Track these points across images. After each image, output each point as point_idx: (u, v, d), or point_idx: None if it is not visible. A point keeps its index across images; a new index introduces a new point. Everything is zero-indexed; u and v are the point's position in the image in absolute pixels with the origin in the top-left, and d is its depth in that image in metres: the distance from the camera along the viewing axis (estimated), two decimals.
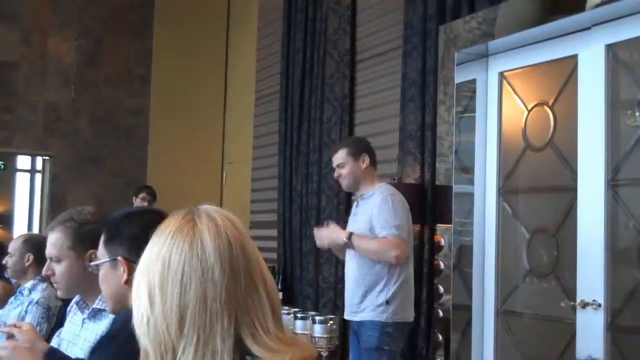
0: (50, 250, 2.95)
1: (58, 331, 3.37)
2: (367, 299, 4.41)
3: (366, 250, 4.39)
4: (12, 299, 4.46)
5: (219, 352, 1.42)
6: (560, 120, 4.30)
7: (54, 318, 4.12)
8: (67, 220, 2.96)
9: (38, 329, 3.88)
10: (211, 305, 1.44)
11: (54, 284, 3.02)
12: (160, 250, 1.47)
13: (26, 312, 4.14)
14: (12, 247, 4.44)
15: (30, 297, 4.23)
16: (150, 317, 1.43)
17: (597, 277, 3.91)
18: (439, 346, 5.01)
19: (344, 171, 4.57)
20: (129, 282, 2.24)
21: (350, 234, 4.42)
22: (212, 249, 1.46)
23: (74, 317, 3.11)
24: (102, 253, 2.35)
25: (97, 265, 2.37)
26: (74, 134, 8.99)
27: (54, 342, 3.35)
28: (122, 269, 2.27)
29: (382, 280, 4.39)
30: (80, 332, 2.96)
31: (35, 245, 4.46)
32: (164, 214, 2.22)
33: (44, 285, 4.30)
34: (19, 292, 4.39)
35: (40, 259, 4.34)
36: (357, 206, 4.65)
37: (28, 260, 4.37)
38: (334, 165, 4.65)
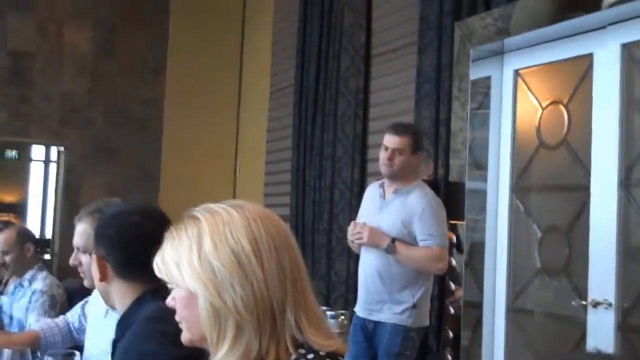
0: (77, 240, 2.98)
1: (82, 302, 3.41)
2: (391, 299, 4.33)
3: (409, 259, 4.28)
4: (10, 289, 4.47)
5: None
6: (575, 119, 4.30)
7: (58, 305, 4.15)
8: (95, 211, 2.98)
9: (46, 317, 3.92)
10: (302, 269, 1.63)
11: (80, 274, 3.05)
12: (230, 236, 1.56)
13: (30, 302, 4.16)
14: (7, 244, 4.41)
15: (32, 287, 4.23)
16: (248, 288, 1.52)
17: (608, 276, 3.91)
18: (449, 343, 5.01)
19: (398, 159, 4.36)
20: (104, 279, 2.34)
21: (393, 240, 4.28)
22: (271, 226, 1.61)
23: (95, 305, 3.16)
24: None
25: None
26: (88, 124, 9.02)
27: (74, 315, 3.40)
28: (96, 266, 2.34)
29: (410, 282, 4.32)
30: (104, 321, 3.00)
31: (30, 235, 4.49)
32: (150, 214, 2.28)
33: (44, 273, 4.32)
34: (19, 284, 4.39)
35: (35, 249, 4.38)
36: (383, 197, 4.47)
37: (29, 251, 4.38)
38: (391, 145, 4.38)
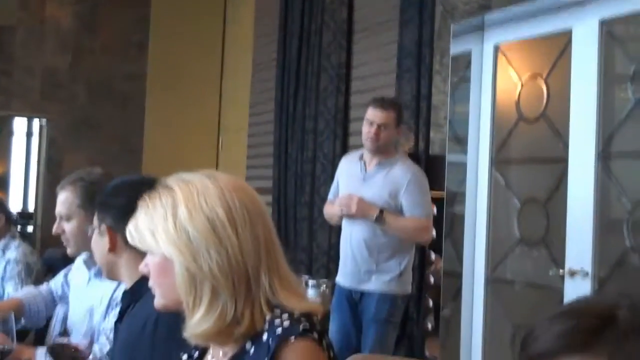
0: (60, 208, 3.04)
1: (65, 271, 3.45)
2: (379, 269, 4.39)
3: (397, 229, 4.35)
4: None
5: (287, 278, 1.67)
6: (554, 93, 4.37)
7: (34, 273, 4.17)
8: (77, 179, 3.04)
9: (23, 285, 3.94)
10: (274, 236, 1.68)
11: (64, 242, 3.09)
12: (205, 203, 1.61)
13: (5, 271, 4.16)
14: None
15: (5, 257, 4.23)
16: (223, 253, 1.58)
17: (585, 246, 4.00)
18: (430, 312, 5.11)
19: (384, 134, 4.41)
20: (113, 250, 2.34)
21: (381, 211, 4.34)
22: (244, 196, 1.66)
23: (78, 273, 3.20)
24: (94, 218, 2.42)
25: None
26: (71, 99, 9.00)
27: (57, 283, 3.44)
28: (106, 238, 2.35)
29: (396, 251, 4.40)
30: (86, 289, 3.05)
31: (1, 205, 4.49)
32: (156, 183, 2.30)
33: (16, 242, 4.31)
34: None
35: (7, 218, 4.38)
36: (364, 170, 4.51)
37: (0, 221, 4.38)
38: (377, 120, 4.41)
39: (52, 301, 3.45)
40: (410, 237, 4.38)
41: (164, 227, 1.61)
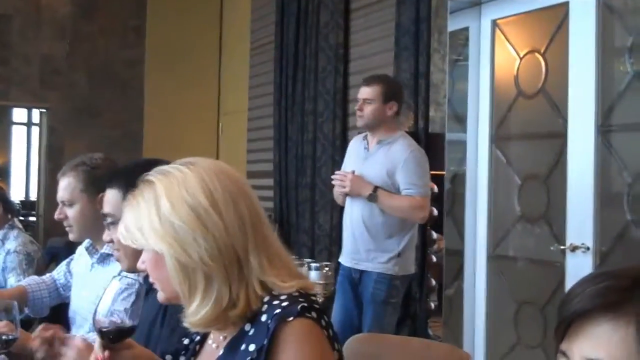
0: (62, 194, 3.02)
1: (68, 260, 3.43)
2: (377, 248, 4.35)
3: (391, 207, 4.30)
4: None
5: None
6: (552, 68, 4.34)
7: (35, 262, 4.15)
8: (78, 164, 3.03)
9: (25, 275, 3.92)
10: (260, 214, 1.68)
11: (66, 228, 3.08)
12: (186, 192, 1.61)
13: (5, 262, 4.14)
14: None
15: (5, 247, 4.20)
16: (210, 239, 1.58)
17: (586, 221, 3.99)
18: (433, 291, 5.10)
19: (368, 109, 4.38)
20: None
21: (376, 188, 4.31)
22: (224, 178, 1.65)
23: (80, 260, 3.19)
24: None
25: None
26: (70, 86, 9.00)
27: (60, 273, 3.43)
28: None
29: (395, 231, 4.34)
30: (89, 276, 3.04)
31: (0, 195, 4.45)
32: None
33: (15, 232, 4.28)
34: None
35: (6, 209, 4.35)
36: (366, 149, 4.49)
37: None
38: (361, 96, 4.42)
39: (56, 290, 3.44)
40: (404, 215, 4.33)
41: (150, 223, 1.61)
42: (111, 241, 2.40)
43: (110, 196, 2.38)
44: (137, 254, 1.88)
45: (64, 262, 3.48)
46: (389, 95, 4.41)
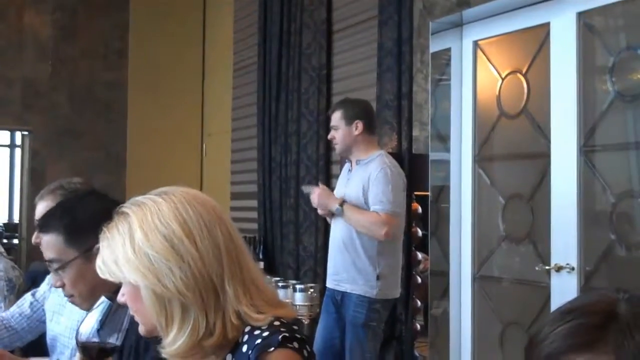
0: (39, 218, 2.99)
1: (32, 291, 3.37)
2: (356, 270, 4.31)
3: (356, 223, 4.29)
4: None
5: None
6: (534, 88, 4.36)
7: (16, 288, 4.09)
8: (57, 188, 3.02)
9: (6, 302, 3.87)
10: (236, 240, 1.65)
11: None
12: (160, 221, 1.59)
13: None
14: None
15: None
16: (185, 268, 1.56)
17: (570, 241, 3.99)
18: (418, 312, 5.09)
19: (337, 136, 4.45)
20: None
21: (343, 202, 4.34)
22: (197, 206, 1.63)
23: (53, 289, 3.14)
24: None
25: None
26: (52, 108, 8.96)
27: (26, 302, 3.37)
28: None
29: (373, 253, 4.30)
30: (66, 303, 2.99)
31: None
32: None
33: None
34: None
35: None
36: (350, 170, 4.51)
37: None
38: (330, 125, 4.53)
39: (15, 330, 3.35)
40: (366, 231, 4.29)
41: (124, 255, 1.59)
42: (62, 285, 2.32)
43: (49, 241, 2.32)
44: (92, 292, 1.88)
45: (28, 294, 3.41)
46: (350, 115, 4.43)
